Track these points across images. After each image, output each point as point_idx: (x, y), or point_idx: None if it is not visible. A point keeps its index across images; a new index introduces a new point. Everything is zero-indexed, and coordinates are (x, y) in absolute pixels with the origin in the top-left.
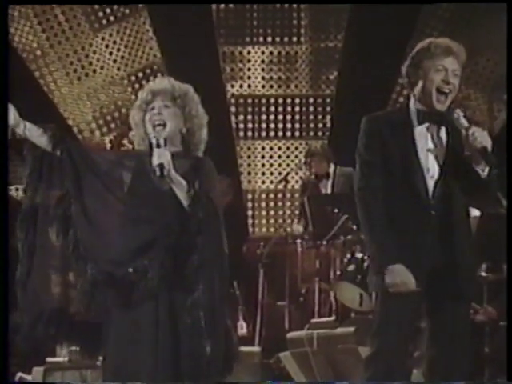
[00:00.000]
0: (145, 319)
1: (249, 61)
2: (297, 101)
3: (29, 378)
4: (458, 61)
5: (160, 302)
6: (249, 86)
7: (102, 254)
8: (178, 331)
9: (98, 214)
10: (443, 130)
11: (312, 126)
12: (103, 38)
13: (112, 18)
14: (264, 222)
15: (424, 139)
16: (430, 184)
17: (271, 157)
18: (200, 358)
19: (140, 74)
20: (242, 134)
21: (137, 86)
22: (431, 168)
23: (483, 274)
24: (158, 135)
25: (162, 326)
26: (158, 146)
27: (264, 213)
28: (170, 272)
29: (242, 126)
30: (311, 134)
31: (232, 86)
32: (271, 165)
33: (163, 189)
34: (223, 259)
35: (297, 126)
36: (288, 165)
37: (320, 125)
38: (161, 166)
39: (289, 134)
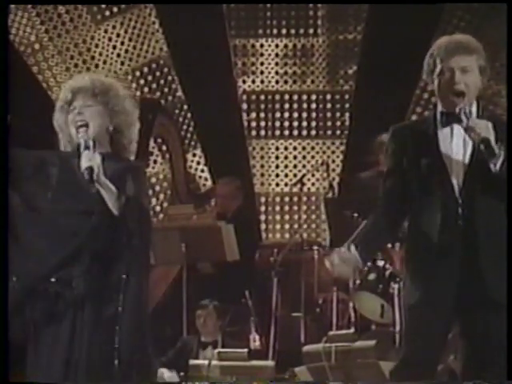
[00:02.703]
0: (66, 333)
1: (262, 54)
2: (313, 97)
3: None
4: (468, 55)
5: (85, 313)
6: (262, 81)
7: (24, 265)
8: (96, 345)
9: (21, 221)
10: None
11: (329, 124)
12: (106, 31)
13: (115, 9)
14: (278, 227)
15: (448, 144)
16: (456, 189)
17: (286, 157)
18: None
19: (145, 69)
20: (254, 132)
21: (142, 81)
22: (456, 173)
23: None
24: (83, 137)
25: (80, 340)
26: (87, 147)
27: (278, 217)
28: (97, 282)
29: (254, 124)
30: (328, 132)
31: (244, 82)
32: (286, 166)
33: (90, 193)
34: (146, 273)
35: (313, 124)
36: (304, 166)
37: (338, 123)
38: (90, 169)
39: (304, 132)
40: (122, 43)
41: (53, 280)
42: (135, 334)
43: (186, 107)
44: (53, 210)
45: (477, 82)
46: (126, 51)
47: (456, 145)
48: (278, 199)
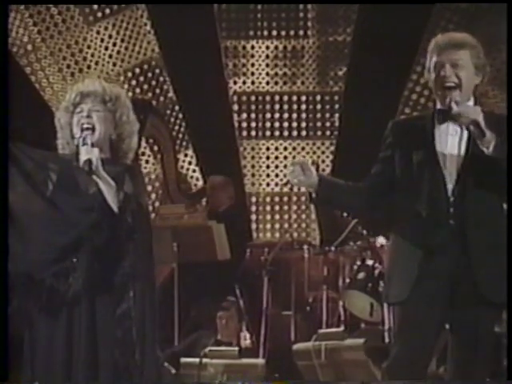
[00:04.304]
0: (64, 328)
1: (252, 56)
2: (303, 98)
3: None
4: (459, 49)
5: (82, 309)
6: (252, 82)
7: (22, 255)
8: (98, 342)
9: (21, 213)
10: (464, 127)
11: (319, 125)
12: (98, 32)
13: (107, 11)
14: (268, 226)
15: (444, 140)
16: (449, 187)
17: (276, 158)
18: (130, 372)
19: (137, 70)
20: (245, 133)
21: (134, 82)
22: (450, 171)
23: None
24: (86, 139)
25: (80, 336)
26: (85, 144)
27: (268, 217)
28: (97, 278)
29: (245, 124)
30: (318, 133)
31: (235, 83)
32: (276, 166)
33: (90, 191)
34: (151, 270)
35: (303, 124)
36: None
37: (328, 124)
38: (88, 161)
39: (295, 133)
40: (114, 44)
41: (50, 273)
42: (143, 332)
43: (177, 108)
44: (52, 205)
45: (471, 78)
46: (118, 52)
47: (451, 143)
48: (268, 199)
